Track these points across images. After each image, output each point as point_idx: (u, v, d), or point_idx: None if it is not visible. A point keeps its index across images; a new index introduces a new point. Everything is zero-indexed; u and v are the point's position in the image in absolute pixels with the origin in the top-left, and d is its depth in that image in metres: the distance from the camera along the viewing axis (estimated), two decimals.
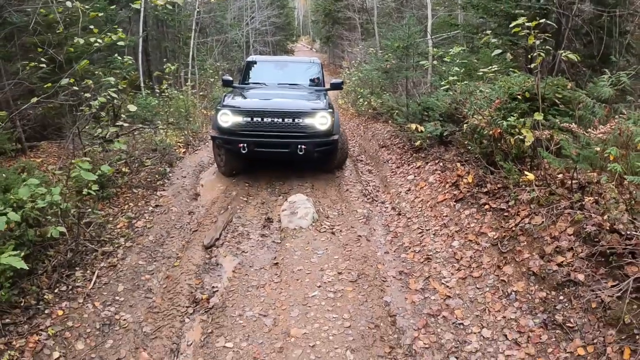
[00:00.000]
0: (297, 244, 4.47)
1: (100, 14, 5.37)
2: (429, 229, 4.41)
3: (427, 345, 3.13)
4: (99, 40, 5.18)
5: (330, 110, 5.79)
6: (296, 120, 5.64)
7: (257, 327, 3.43)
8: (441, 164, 5.25)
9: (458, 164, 4.90)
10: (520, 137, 3.81)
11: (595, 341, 2.62)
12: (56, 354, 3.10)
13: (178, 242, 4.73)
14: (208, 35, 13.42)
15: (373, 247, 4.39)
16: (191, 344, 3.47)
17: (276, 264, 4.24)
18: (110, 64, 6.82)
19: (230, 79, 6.80)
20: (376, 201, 5.39)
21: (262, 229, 4.89)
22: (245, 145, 5.53)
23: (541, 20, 3.54)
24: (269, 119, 5.62)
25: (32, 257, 3.82)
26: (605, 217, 3.06)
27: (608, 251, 2.90)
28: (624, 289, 2.64)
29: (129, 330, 3.51)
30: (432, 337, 3.19)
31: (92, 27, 5.29)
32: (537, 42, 3.49)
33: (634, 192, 3.04)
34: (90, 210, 4.79)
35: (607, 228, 3.01)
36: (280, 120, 5.62)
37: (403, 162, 6.03)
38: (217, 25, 14.06)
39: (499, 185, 4.24)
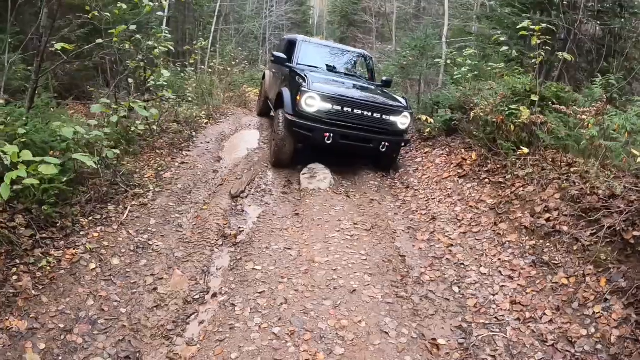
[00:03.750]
0: (316, 200, 4.96)
1: None
2: (434, 198, 4.97)
3: (433, 279, 3.65)
4: (143, 4, 5.64)
5: (411, 110, 5.68)
6: (384, 116, 5.42)
7: (283, 257, 3.90)
8: (447, 149, 5.85)
9: (463, 150, 5.50)
10: (519, 121, 4.44)
11: (576, 274, 3.18)
12: (92, 265, 3.44)
13: (205, 193, 5.18)
14: (227, 23, 13.91)
15: (384, 209, 4.92)
16: (220, 268, 3.92)
17: (297, 214, 4.72)
18: (150, 30, 7.20)
19: (284, 56, 6.29)
20: (386, 177, 5.94)
21: (283, 188, 5.38)
22: (331, 135, 5.22)
23: (544, 25, 4.19)
24: (359, 111, 5.32)
25: (73, 182, 4.15)
26: (587, 185, 3.67)
27: (587, 208, 3.49)
28: (600, 235, 3.23)
29: (162, 254, 3.92)
30: (437, 273, 3.71)
31: None
32: (539, 41, 4.14)
33: (613, 169, 3.69)
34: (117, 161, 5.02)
35: (588, 192, 3.61)
36: (369, 114, 5.37)
37: (412, 149, 6.61)
38: (236, 15, 14.57)
39: (498, 166, 4.83)
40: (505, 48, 4.99)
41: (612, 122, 3.58)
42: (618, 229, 3.13)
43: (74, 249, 3.49)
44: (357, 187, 5.52)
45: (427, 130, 6.27)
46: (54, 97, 6.51)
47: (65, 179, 3.84)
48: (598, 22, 6.05)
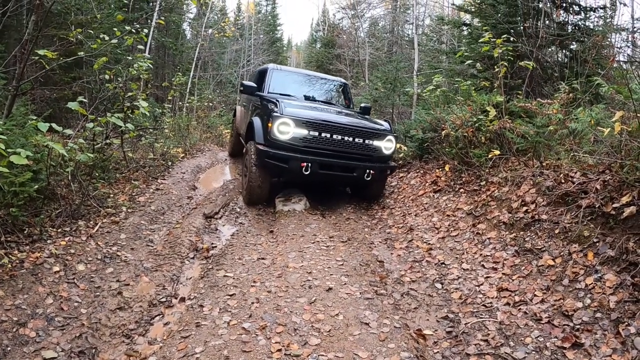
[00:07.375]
0: (291, 220, 4.81)
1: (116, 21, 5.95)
2: (410, 213, 4.89)
3: (414, 279, 3.47)
4: (125, 36, 5.85)
5: (396, 134, 5.25)
6: (366, 140, 4.90)
7: (257, 265, 3.68)
8: (422, 171, 5.89)
9: (437, 169, 5.56)
10: (488, 127, 4.56)
11: (561, 254, 3.07)
12: (56, 268, 3.23)
13: (178, 214, 4.99)
14: (206, 70, 14.41)
15: (360, 225, 4.80)
16: (190, 278, 3.67)
17: (272, 231, 4.55)
18: (130, 62, 7.23)
19: (254, 85, 5.78)
20: (362, 201, 5.87)
21: (258, 211, 5.22)
22: (309, 164, 4.63)
23: (504, 36, 4.51)
24: (339, 136, 4.76)
25: (44, 192, 3.98)
26: (561, 175, 3.71)
27: (564, 194, 3.49)
28: (580, 215, 3.20)
29: (130, 264, 3.69)
30: (417, 274, 3.53)
31: (115, 29, 5.99)
32: (500, 50, 4.42)
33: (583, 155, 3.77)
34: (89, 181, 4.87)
35: (562, 181, 3.63)
36: (350, 139, 4.80)
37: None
38: (214, 64, 15.16)
39: (472, 177, 4.87)
40: (469, 61, 5.29)
41: (577, 112, 3.72)
42: (597, 205, 3.12)
43: (38, 253, 3.30)
44: (332, 210, 5.42)
45: (401, 156, 6.36)
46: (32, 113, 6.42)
47: (36, 186, 3.72)
48: (559, 47, 6.48)
